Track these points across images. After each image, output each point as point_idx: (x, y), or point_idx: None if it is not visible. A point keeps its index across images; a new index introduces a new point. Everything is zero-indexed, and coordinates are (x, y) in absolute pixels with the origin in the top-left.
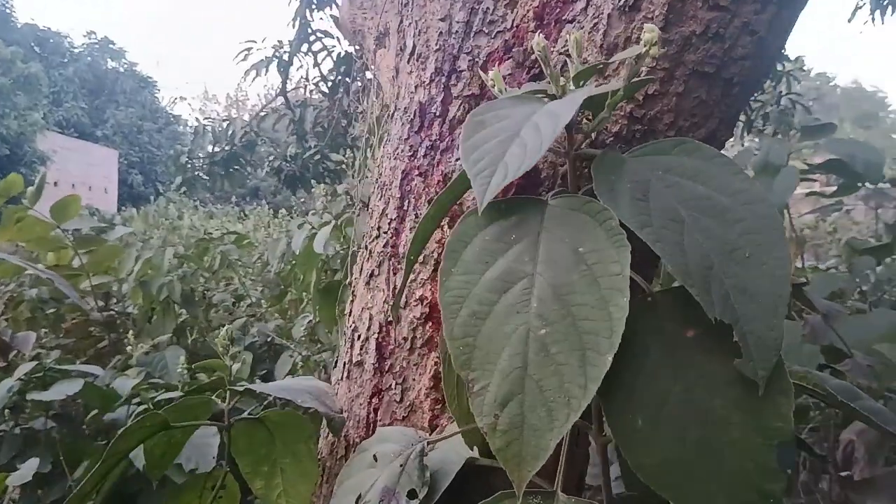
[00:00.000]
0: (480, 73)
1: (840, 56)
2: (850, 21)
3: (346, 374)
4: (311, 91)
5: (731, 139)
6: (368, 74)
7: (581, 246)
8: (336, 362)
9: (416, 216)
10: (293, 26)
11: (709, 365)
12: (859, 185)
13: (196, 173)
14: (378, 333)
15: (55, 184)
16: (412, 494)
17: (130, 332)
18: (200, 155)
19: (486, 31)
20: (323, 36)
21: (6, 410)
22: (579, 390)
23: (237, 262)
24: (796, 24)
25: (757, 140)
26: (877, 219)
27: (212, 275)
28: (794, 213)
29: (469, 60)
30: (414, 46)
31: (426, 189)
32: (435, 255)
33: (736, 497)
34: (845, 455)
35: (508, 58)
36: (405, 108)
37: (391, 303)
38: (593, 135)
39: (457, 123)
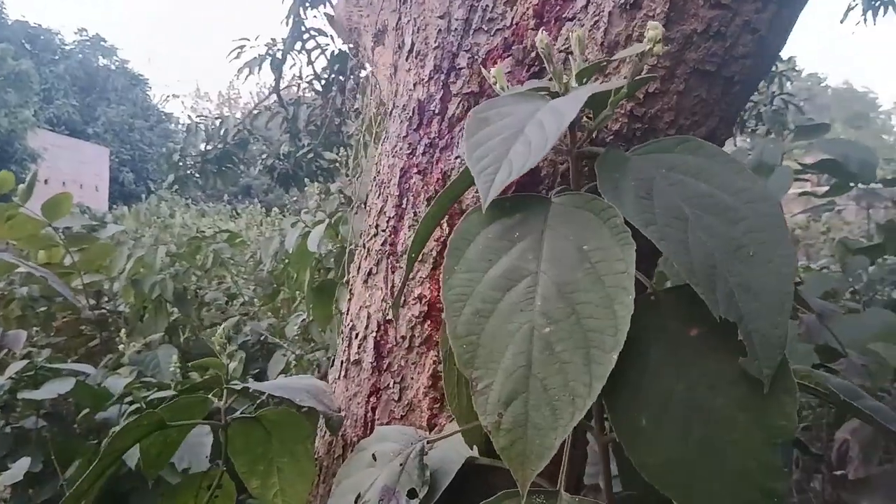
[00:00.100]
0: (482, 69)
1: (831, 57)
2: (842, 22)
3: (343, 373)
4: (304, 89)
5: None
6: (363, 72)
7: (585, 244)
8: (332, 361)
9: (415, 214)
10: (286, 24)
11: (712, 364)
12: (852, 185)
13: (188, 171)
14: (376, 332)
15: (46, 181)
16: (412, 494)
17: (122, 330)
18: (192, 153)
19: (486, 29)
20: (316, 34)
21: None
22: (584, 389)
23: (230, 261)
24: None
25: (749, 140)
26: (868, 218)
27: (204, 273)
28: (786, 212)
29: (468, 58)
30: (412, 44)
31: (425, 187)
32: (433, 253)
33: (739, 496)
34: (840, 454)
35: (508, 55)
36: (404, 105)
37: (389, 301)
38: (594, 133)
39: (456, 121)
